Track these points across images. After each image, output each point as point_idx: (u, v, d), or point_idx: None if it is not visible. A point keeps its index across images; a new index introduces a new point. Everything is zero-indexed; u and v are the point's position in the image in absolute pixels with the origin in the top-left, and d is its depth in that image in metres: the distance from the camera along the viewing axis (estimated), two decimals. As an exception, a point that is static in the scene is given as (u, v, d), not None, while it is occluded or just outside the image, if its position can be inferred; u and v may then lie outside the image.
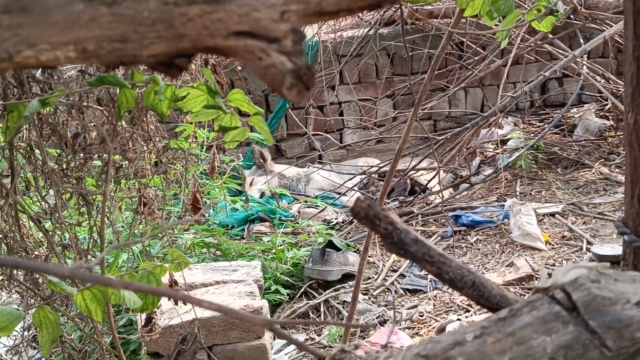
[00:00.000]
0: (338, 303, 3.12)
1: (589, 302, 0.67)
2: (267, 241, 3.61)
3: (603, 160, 4.60)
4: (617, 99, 4.30)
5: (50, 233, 1.60)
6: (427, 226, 3.92)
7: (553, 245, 3.46)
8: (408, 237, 0.88)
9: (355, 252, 3.53)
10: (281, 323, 0.94)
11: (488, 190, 4.40)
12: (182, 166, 2.00)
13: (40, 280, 1.63)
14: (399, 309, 3.02)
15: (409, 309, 3.01)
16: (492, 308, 0.88)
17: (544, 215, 3.81)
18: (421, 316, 2.90)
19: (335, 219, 4.15)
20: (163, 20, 0.65)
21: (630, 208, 0.93)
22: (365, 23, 5.34)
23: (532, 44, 4.38)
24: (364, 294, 3.17)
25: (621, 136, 4.66)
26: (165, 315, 2.22)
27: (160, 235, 2.75)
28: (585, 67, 4.48)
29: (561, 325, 0.66)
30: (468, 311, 2.89)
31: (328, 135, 5.23)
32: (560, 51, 4.45)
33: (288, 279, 3.25)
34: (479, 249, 3.56)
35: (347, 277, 3.31)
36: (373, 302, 3.12)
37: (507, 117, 5.15)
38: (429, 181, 4.37)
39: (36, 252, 1.67)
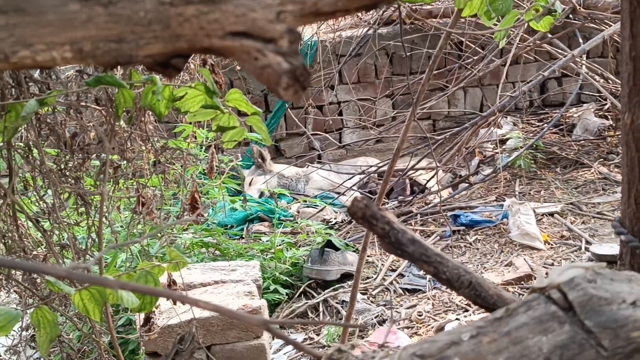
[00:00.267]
0: (337, 303, 3.12)
1: (585, 302, 0.67)
2: (266, 241, 3.61)
3: (602, 159, 4.60)
4: (616, 98, 4.30)
5: (49, 233, 1.60)
6: (426, 226, 3.92)
7: (552, 244, 3.46)
8: (405, 237, 0.88)
9: (354, 251, 3.53)
10: (277, 323, 0.94)
11: (487, 189, 4.40)
12: (181, 166, 2.00)
13: (38, 280, 1.63)
14: (397, 308, 3.02)
15: (407, 308, 3.01)
16: (489, 308, 0.89)
17: (542, 215, 3.81)
18: (420, 316, 2.90)
19: (335, 218, 4.15)
20: (159, 20, 0.65)
21: (627, 208, 0.93)
22: (364, 23, 5.34)
23: (531, 44, 4.39)
24: (363, 294, 3.17)
25: (620, 136, 4.66)
26: (164, 315, 2.22)
27: (158, 235, 2.75)
28: (584, 66, 4.48)
29: (557, 325, 0.66)
30: (467, 311, 2.90)
31: (327, 135, 5.23)
32: (560, 51, 4.45)
33: (287, 278, 3.25)
34: (477, 249, 3.56)
35: (346, 276, 3.31)
36: (372, 301, 3.12)
37: (506, 117, 5.15)
38: (428, 181, 4.37)
39: (34, 252, 1.67)
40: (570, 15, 4.44)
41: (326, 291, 3.21)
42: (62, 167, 1.58)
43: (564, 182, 4.34)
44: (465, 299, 2.95)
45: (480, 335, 0.68)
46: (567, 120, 5.17)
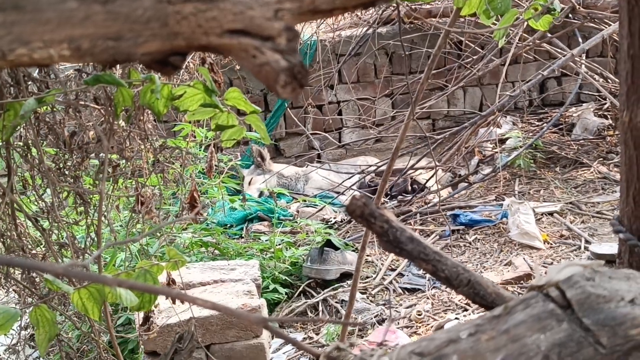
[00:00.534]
0: (336, 302, 3.12)
1: (584, 300, 0.67)
2: (266, 240, 3.61)
3: (601, 159, 4.60)
4: (615, 98, 4.29)
5: (48, 232, 1.60)
6: (425, 225, 3.92)
7: (551, 244, 3.46)
8: (403, 235, 0.88)
9: (353, 251, 3.53)
10: (275, 320, 0.94)
11: (486, 189, 4.40)
12: (180, 165, 2.00)
13: (37, 280, 1.63)
14: (397, 308, 3.02)
15: (407, 307, 3.01)
16: (488, 306, 0.88)
17: (542, 214, 3.81)
18: (419, 315, 2.90)
19: (334, 218, 4.15)
20: (157, 18, 0.65)
21: (626, 206, 0.93)
22: (364, 22, 5.34)
23: (531, 43, 4.39)
24: (362, 293, 3.17)
25: (619, 134, 4.66)
26: (163, 314, 2.22)
27: (158, 234, 2.75)
28: (583, 66, 4.48)
29: (555, 322, 0.66)
30: (466, 310, 2.90)
31: (327, 135, 5.23)
32: (559, 50, 4.45)
33: (286, 278, 3.25)
34: (477, 248, 3.56)
35: (345, 276, 3.31)
36: (371, 301, 3.12)
37: (505, 116, 5.15)
38: (427, 180, 4.37)
39: (34, 251, 1.67)
40: (570, 15, 4.44)
41: (325, 290, 3.21)
42: (61, 166, 1.58)
43: (563, 182, 4.34)
44: (464, 299, 2.96)
45: (479, 333, 0.68)
46: (566, 119, 5.17)
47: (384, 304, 3.06)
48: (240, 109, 1.37)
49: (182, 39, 0.66)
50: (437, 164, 3.62)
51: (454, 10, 1.65)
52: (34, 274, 1.59)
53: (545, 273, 0.74)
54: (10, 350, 2.13)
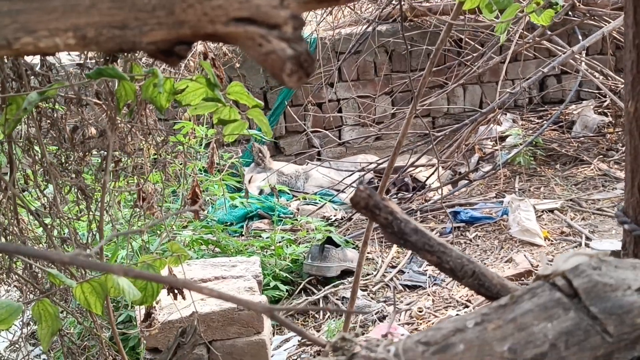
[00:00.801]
0: (337, 299, 3.12)
1: (590, 289, 0.67)
2: (266, 238, 3.61)
3: (602, 156, 4.60)
4: (615, 95, 4.30)
5: (50, 227, 1.59)
6: (426, 222, 3.92)
7: (552, 241, 3.46)
8: (408, 226, 0.88)
9: (354, 248, 3.53)
10: (281, 309, 0.93)
11: (487, 186, 4.40)
12: (181, 163, 1.99)
13: (39, 275, 1.62)
14: (398, 304, 3.02)
15: (408, 304, 3.01)
16: (493, 297, 0.88)
17: (542, 211, 3.81)
18: (420, 312, 2.90)
19: (334, 215, 4.14)
20: (163, 6, 0.65)
21: (631, 197, 0.93)
22: (364, 20, 5.33)
23: (531, 41, 4.38)
24: (363, 290, 3.17)
25: (620, 132, 4.66)
26: (165, 311, 2.22)
27: (158, 231, 2.75)
28: (583, 63, 4.48)
29: (562, 311, 0.66)
30: (467, 307, 2.90)
31: (327, 132, 5.23)
32: (559, 48, 4.45)
33: (287, 275, 3.25)
34: (478, 245, 3.56)
35: (346, 273, 3.31)
36: (372, 298, 3.12)
37: (505, 114, 5.15)
38: (428, 177, 4.37)
39: (36, 247, 1.66)
40: (570, 12, 4.44)
41: (326, 288, 3.21)
42: (63, 161, 1.58)
43: (563, 179, 4.34)
44: (465, 295, 2.96)
45: (485, 322, 0.68)
46: (566, 117, 5.17)
47: (384, 301, 3.06)
48: (242, 102, 1.36)
49: (187, 27, 0.66)
50: (439, 158, 3.62)
51: (456, 4, 1.65)
52: (36, 269, 1.59)
53: (551, 262, 0.74)
54: (10, 348, 2.13)
